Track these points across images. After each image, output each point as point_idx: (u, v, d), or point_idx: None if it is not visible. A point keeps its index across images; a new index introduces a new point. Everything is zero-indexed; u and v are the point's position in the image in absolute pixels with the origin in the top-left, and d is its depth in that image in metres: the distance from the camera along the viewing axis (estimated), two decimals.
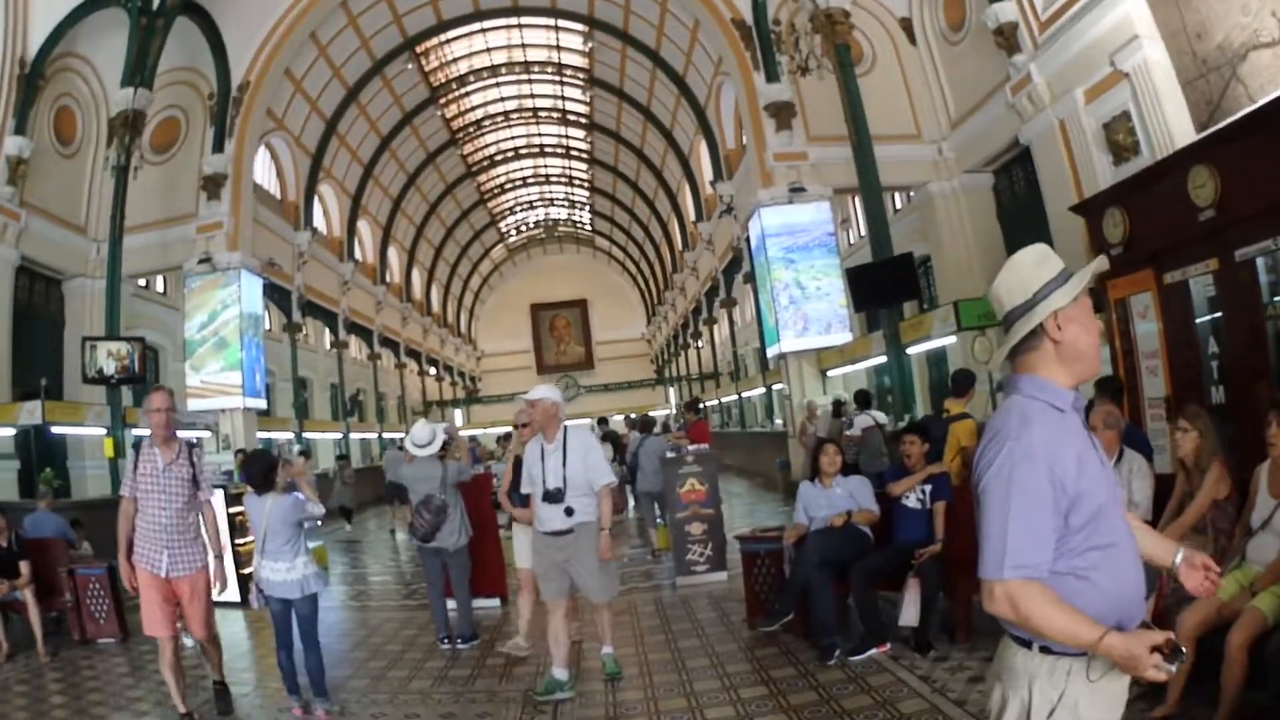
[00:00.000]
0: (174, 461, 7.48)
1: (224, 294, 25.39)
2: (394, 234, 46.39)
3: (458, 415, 62.74)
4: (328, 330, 38.94)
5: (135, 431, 21.08)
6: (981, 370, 20.42)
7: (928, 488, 8.54)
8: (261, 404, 26.70)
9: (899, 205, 26.49)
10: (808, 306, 23.23)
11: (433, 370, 57.56)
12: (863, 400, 17.29)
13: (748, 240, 26.83)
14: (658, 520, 15.36)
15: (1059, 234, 17.54)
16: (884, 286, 19.06)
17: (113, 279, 22.13)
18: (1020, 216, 21.19)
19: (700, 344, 46.27)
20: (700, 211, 38.05)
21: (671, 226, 47.86)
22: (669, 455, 13.41)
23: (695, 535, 12.41)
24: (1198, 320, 9.73)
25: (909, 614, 7.98)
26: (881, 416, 16.71)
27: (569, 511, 7.66)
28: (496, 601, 12.13)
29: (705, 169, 35.14)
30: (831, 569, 8.39)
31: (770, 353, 25.78)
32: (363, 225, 42.19)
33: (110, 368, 21.01)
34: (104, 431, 21.34)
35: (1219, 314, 9.49)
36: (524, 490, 8.30)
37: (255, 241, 27.61)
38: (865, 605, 8.22)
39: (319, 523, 8.95)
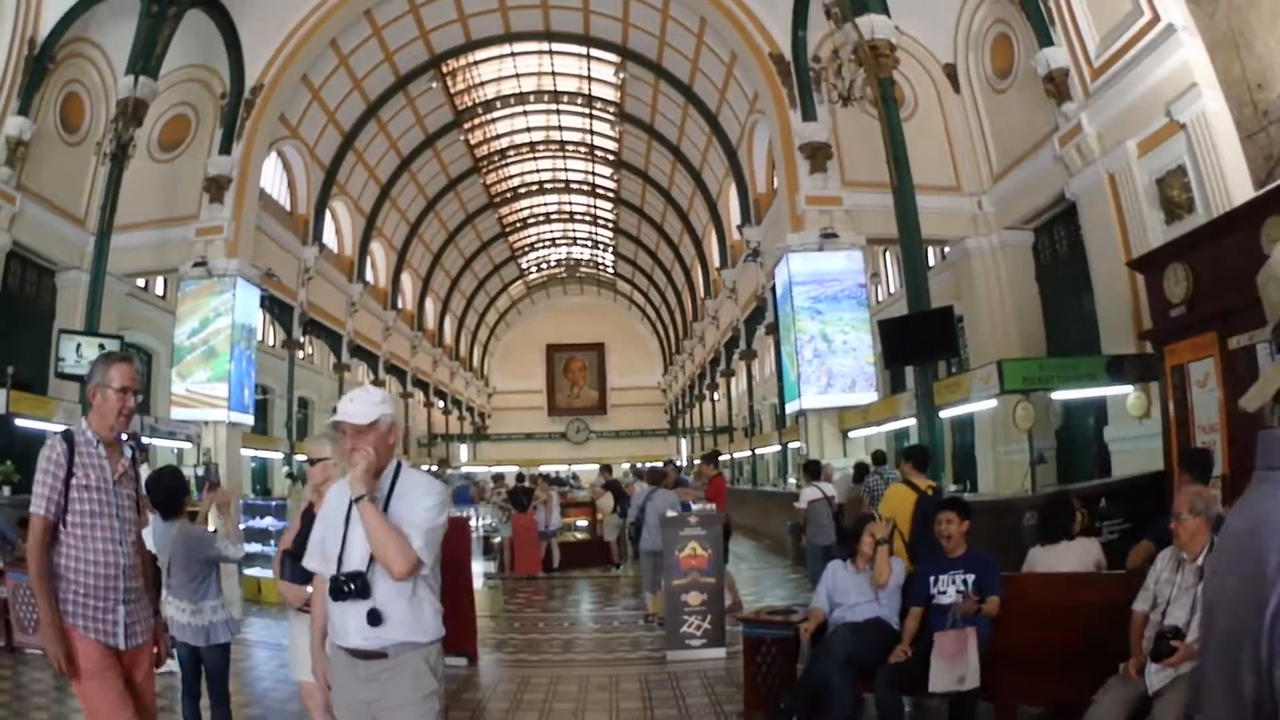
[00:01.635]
0: (125, 473, 4.83)
1: (218, 301, 24.26)
2: (409, 259, 45.56)
3: (463, 451, 61.74)
4: (331, 352, 37.83)
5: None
6: (1019, 438, 19.28)
7: (969, 578, 7.13)
8: (248, 419, 25.52)
9: (933, 261, 25.02)
10: (833, 361, 21.89)
11: (440, 403, 56.56)
12: (813, 471, 16.24)
13: (773, 289, 25.68)
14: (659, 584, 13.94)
15: (1103, 297, 16.93)
16: (920, 341, 17.49)
17: (98, 272, 21.25)
18: (1061, 278, 20.32)
19: (716, 396, 45.33)
20: (725, 258, 36.80)
21: (695, 273, 47.02)
22: (669, 514, 12.12)
23: (693, 605, 11.11)
24: None
25: (970, 673, 6.47)
26: (829, 489, 15.53)
27: (374, 617, 4.07)
28: (463, 660, 10.83)
29: (733, 213, 34.08)
30: (854, 669, 7.06)
31: (789, 408, 24.38)
32: (376, 247, 41.39)
33: (85, 365, 19.38)
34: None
35: None
36: (309, 565, 4.49)
37: (258, 251, 26.68)
38: (889, 710, 6.89)
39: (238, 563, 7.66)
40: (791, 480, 29.69)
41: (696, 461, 45.47)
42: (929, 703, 7.44)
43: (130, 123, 21.15)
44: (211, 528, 8.25)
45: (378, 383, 41.63)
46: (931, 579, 7.31)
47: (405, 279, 46.45)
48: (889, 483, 15.40)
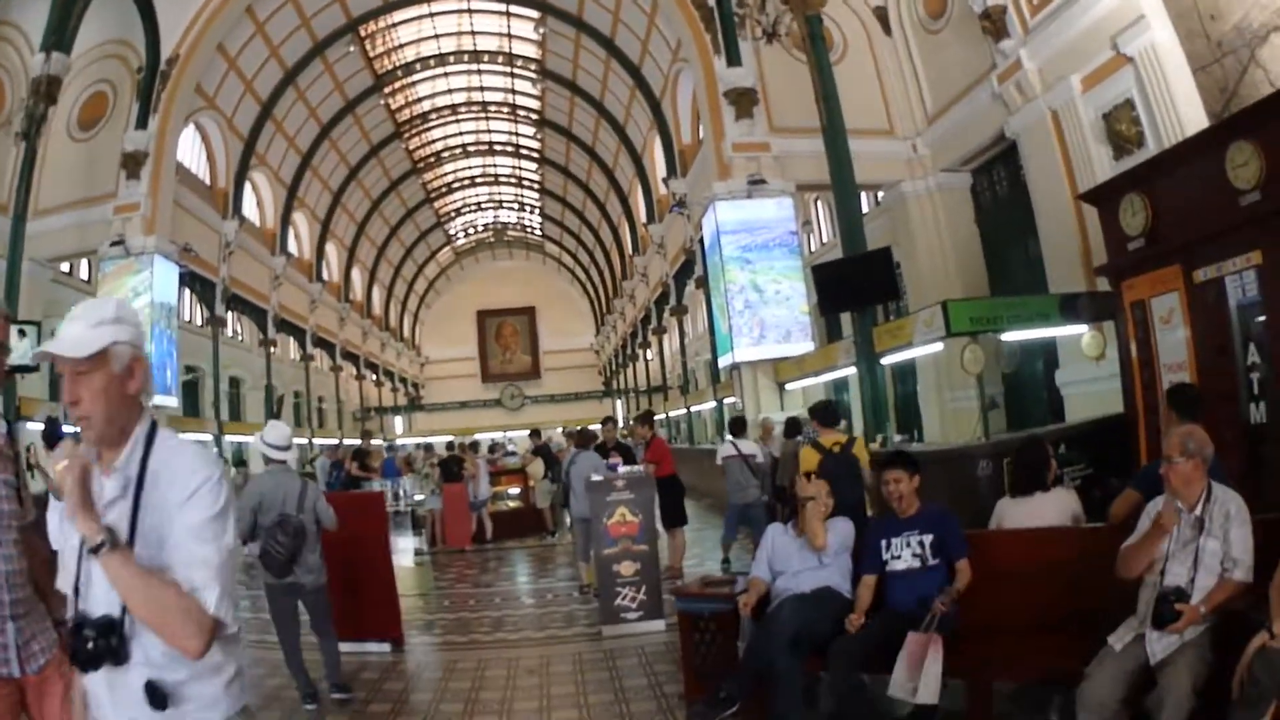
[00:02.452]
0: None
1: (136, 281, 23.57)
2: (333, 230, 44.95)
3: (398, 423, 61.19)
4: (257, 328, 37.17)
5: (30, 426, 19.39)
6: (966, 384, 19.04)
7: (926, 539, 6.52)
8: (172, 402, 24.82)
9: (867, 207, 24.60)
10: (765, 312, 21.46)
11: (372, 375, 55.95)
12: (735, 428, 15.62)
13: (701, 241, 25.32)
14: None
15: (1050, 237, 16.83)
16: (857, 286, 17.04)
17: (13, 257, 20.49)
18: (1002, 219, 20.29)
19: (649, 355, 45.16)
20: (652, 213, 36.41)
21: (622, 230, 46.43)
22: (593, 478, 11.35)
23: (625, 576, 10.49)
24: (1234, 325, 8.25)
25: (924, 687, 5.69)
26: (747, 446, 14.73)
27: (157, 698, 2.55)
28: (387, 647, 10.33)
29: (659, 167, 33.62)
30: (804, 647, 6.27)
31: (722, 362, 24.11)
32: (299, 218, 40.75)
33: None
34: None
35: (1261, 317, 8.00)
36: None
37: (177, 227, 26.12)
38: (848, 695, 6.05)
39: None
40: (727, 437, 29.53)
41: (631, 423, 45.44)
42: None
43: (43, 100, 20.61)
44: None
45: (306, 357, 41.77)
46: (883, 543, 6.59)
47: (330, 250, 45.79)
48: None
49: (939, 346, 16.68)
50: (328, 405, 49.63)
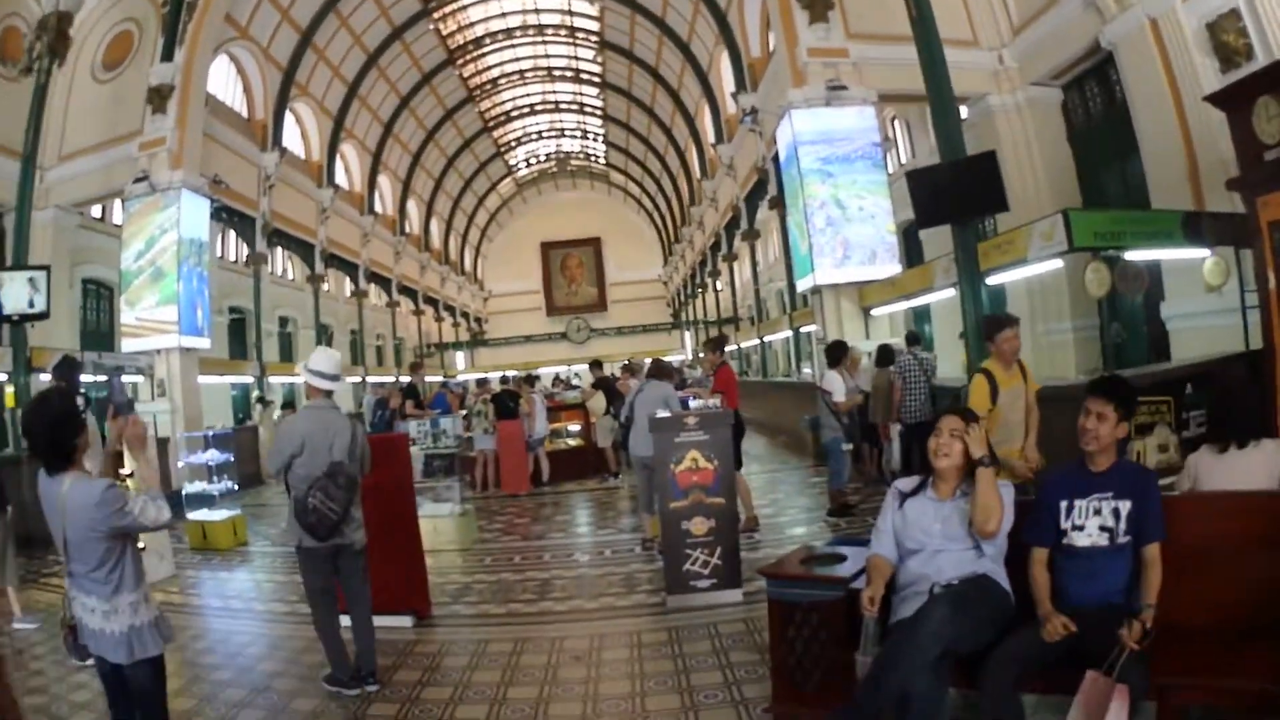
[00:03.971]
0: None
1: (162, 218, 21.85)
2: (385, 161, 43.75)
3: (460, 359, 60.06)
4: (304, 264, 36.10)
5: (44, 377, 18.20)
6: (1062, 312, 16.93)
7: (1122, 506, 4.63)
8: (203, 343, 22.95)
9: None
10: (849, 230, 19.38)
11: (432, 311, 54.95)
12: (834, 355, 13.57)
13: (775, 158, 23.51)
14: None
15: (1153, 155, 15.30)
16: (959, 195, 14.63)
17: (22, 200, 19.21)
18: (1096, 137, 18.56)
19: (719, 285, 43.86)
20: (721, 133, 34.54)
21: (689, 154, 44.83)
22: (659, 414, 9.56)
23: (697, 535, 8.76)
24: None
25: None
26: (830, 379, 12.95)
27: None
28: (408, 620, 8.76)
29: (726, 84, 31.83)
30: (951, 662, 4.52)
31: (801, 286, 21.94)
32: (347, 150, 39.62)
33: (13, 301, 17.71)
34: (4, 376, 18.65)
35: None
36: None
37: (211, 162, 24.55)
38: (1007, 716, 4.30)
39: (166, 529, 5.70)
40: (805, 369, 27.69)
41: (699, 354, 43.75)
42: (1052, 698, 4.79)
43: (52, 35, 19.56)
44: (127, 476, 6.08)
45: (359, 293, 40.86)
46: (1064, 505, 4.84)
47: (383, 182, 44.66)
48: (924, 365, 13.52)
49: (1058, 264, 14.49)
50: (384, 343, 48.82)
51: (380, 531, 8.08)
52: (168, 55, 22.63)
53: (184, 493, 14.64)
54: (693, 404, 9.87)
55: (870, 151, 19.88)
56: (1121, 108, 16.66)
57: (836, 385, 12.74)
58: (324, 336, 36.87)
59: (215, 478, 15.02)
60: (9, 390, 18.33)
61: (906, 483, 5.33)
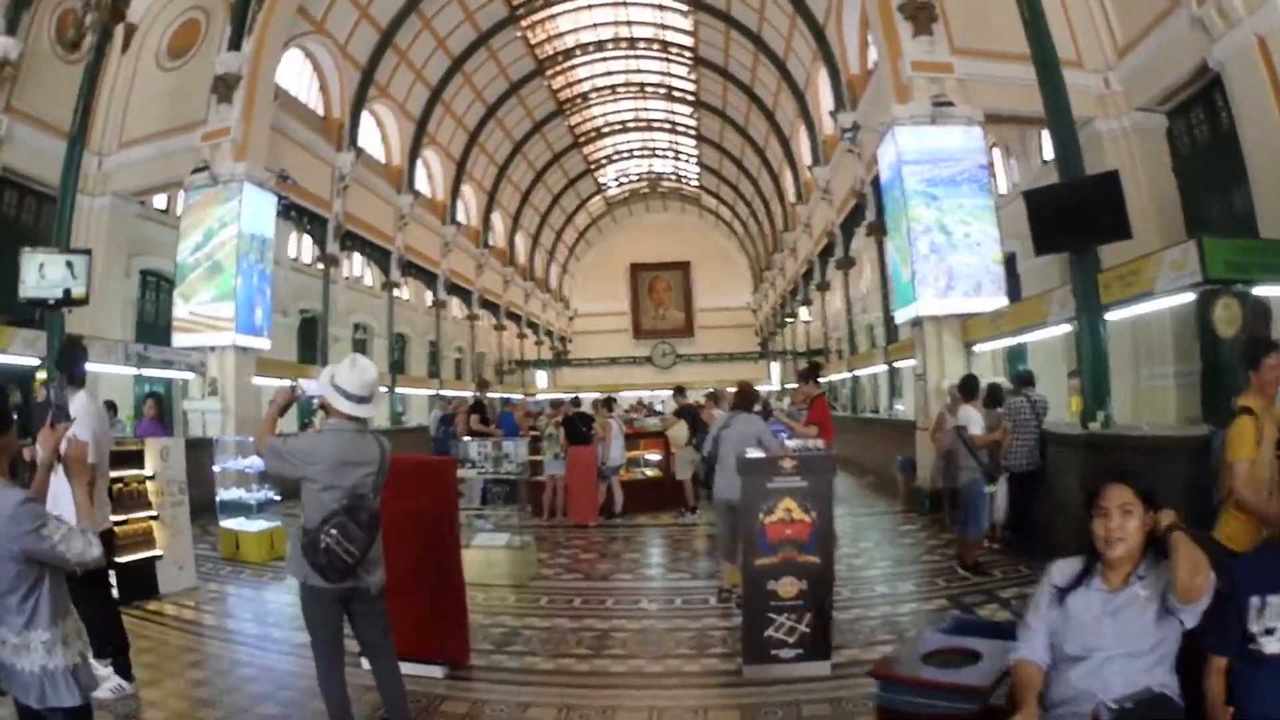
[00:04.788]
0: None
1: (223, 210, 21.09)
2: (470, 171, 43.18)
3: (541, 377, 59.09)
4: (379, 270, 35.46)
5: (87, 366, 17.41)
6: (1165, 356, 16.39)
7: None
8: (261, 343, 22.12)
9: (1049, 154, 21.14)
10: (954, 259, 17.84)
11: (515, 327, 54.63)
12: (969, 389, 12.19)
13: (875, 181, 22.30)
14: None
15: (1262, 181, 13.94)
16: (1078, 219, 12.98)
17: (66, 180, 18.65)
18: (1201, 167, 17.16)
19: (809, 315, 42.29)
20: (817, 155, 33.30)
21: (784, 177, 43.30)
22: (750, 454, 8.11)
23: (783, 598, 7.34)
24: None
25: None
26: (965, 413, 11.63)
27: None
28: (439, 671, 7.55)
29: (824, 102, 30.64)
30: None
31: (901, 316, 20.15)
32: (430, 156, 39.12)
33: (49, 284, 17.19)
34: (37, 362, 17.67)
35: None
36: None
37: (282, 158, 23.95)
38: None
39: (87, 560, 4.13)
40: (898, 405, 26.12)
41: (789, 386, 42.32)
42: None
43: (105, 13, 19.04)
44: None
45: (438, 304, 40.36)
46: (1254, 602, 3.67)
47: (467, 192, 44.11)
48: (1036, 407, 12.54)
49: (1189, 297, 12.64)
50: (464, 356, 48.28)
51: (415, 566, 7.29)
52: (235, 44, 22.01)
53: (219, 499, 13.95)
54: (791, 443, 8.31)
55: (977, 174, 18.42)
56: (1228, 135, 15.39)
57: (974, 419, 11.46)
58: (399, 345, 36.63)
59: (255, 485, 14.17)
60: (40, 376, 17.39)
61: (1063, 571, 4.02)
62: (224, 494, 14.03)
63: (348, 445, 5.71)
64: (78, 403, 7.25)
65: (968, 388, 12.09)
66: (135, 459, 10.99)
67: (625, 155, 58.15)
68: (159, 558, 10.79)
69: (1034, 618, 3.97)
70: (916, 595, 10.10)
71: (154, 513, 10.93)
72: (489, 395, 21.59)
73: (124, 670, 7.12)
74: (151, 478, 11.01)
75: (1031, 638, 3.93)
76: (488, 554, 11.25)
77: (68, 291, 17.04)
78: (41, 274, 17.10)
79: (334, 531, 5.40)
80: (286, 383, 6.07)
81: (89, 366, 18.53)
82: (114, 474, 10.12)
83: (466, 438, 15.47)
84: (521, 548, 11.66)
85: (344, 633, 5.89)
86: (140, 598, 10.26)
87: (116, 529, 10.00)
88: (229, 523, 13.58)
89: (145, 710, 6.75)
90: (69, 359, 7.75)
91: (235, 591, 11.29)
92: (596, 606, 10.25)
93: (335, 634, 5.84)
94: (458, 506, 8.31)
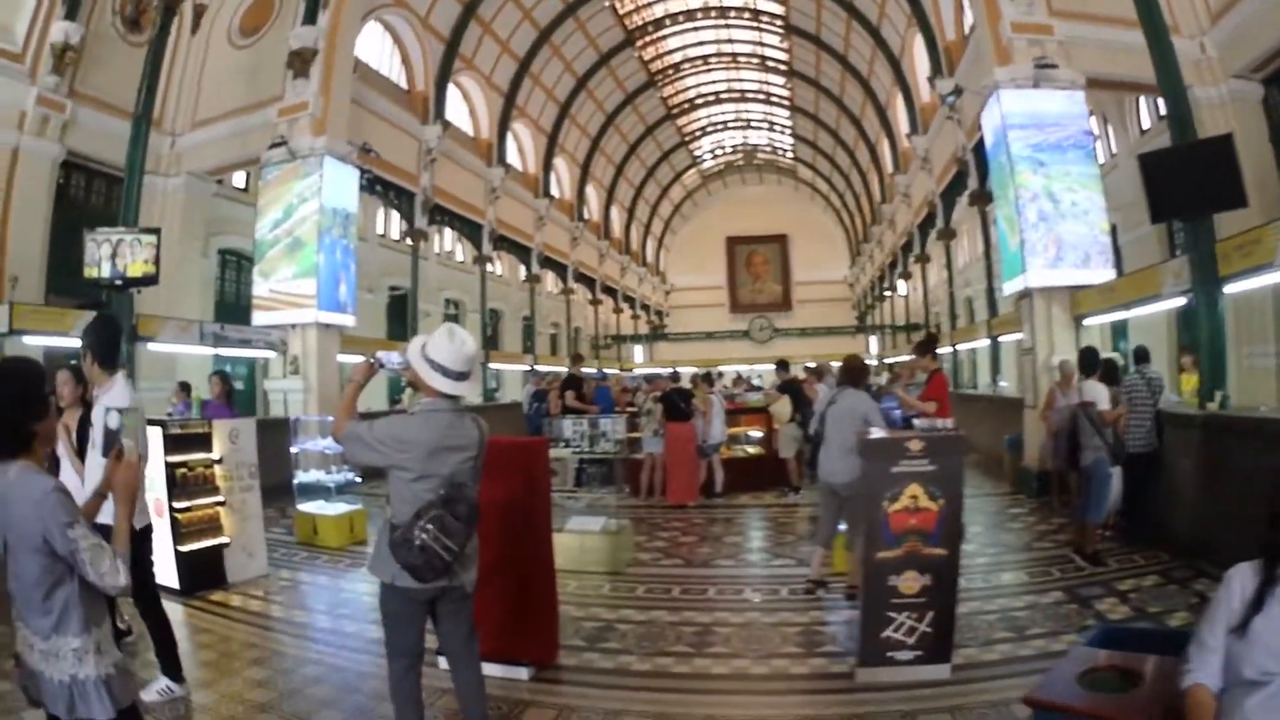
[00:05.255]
0: None
1: (302, 186, 20.72)
2: (562, 143, 43.06)
3: (638, 352, 58.80)
4: (470, 244, 35.25)
5: (152, 345, 18.56)
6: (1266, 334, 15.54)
7: None
8: (345, 320, 21.66)
9: (1147, 122, 21.12)
10: (1062, 228, 16.96)
11: (611, 301, 54.62)
12: (1090, 362, 11.53)
13: (977, 147, 21.64)
14: (839, 531, 9.59)
15: None
16: (1191, 186, 12.06)
17: (133, 159, 18.49)
18: None
19: (907, 288, 41.39)
20: (915, 123, 32.31)
21: (881, 148, 42.38)
22: (872, 434, 7.49)
23: (906, 595, 6.66)
24: None
25: None
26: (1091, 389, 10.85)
27: None
28: (523, 673, 7.01)
29: (919, 70, 29.95)
30: None
31: (1009, 288, 19.19)
32: (520, 129, 39.19)
33: (114, 266, 17.10)
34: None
35: None
36: None
37: (364, 132, 23.53)
38: None
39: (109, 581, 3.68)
40: (1003, 383, 25.23)
41: (895, 360, 41.41)
42: None
43: None
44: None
45: (532, 277, 39.97)
46: None
47: (560, 165, 43.91)
48: (1152, 386, 11.84)
49: None
50: (559, 331, 48.10)
51: (502, 558, 6.72)
52: (310, 18, 21.69)
53: (296, 481, 13.55)
54: (919, 422, 7.52)
55: (1082, 140, 17.63)
56: None
57: (1100, 394, 10.65)
58: (493, 321, 36.58)
59: (335, 467, 13.68)
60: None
61: (1244, 582, 3.37)
62: (302, 476, 13.68)
63: (444, 428, 5.07)
64: (115, 390, 6.63)
65: (1088, 361, 11.38)
66: (202, 442, 10.50)
67: (719, 127, 57.56)
68: (226, 545, 10.38)
69: (1212, 636, 3.34)
70: (1031, 586, 9.34)
71: (220, 498, 10.47)
72: (583, 370, 20.86)
73: (172, 670, 6.65)
74: (219, 461, 10.54)
75: (1208, 659, 3.32)
76: (581, 539, 10.68)
77: (128, 272, 16.93)
78: (107, 255, 16.99)
79: (430, 527, 4.80)
80: (362, 359, 5.36)
81: (163, 346, 18.59)
82: (178, 458, 10.02)
83: (562, 415, 14.90)
84: (617, 532, 11.03)
85: (427, 634, 5.32)
86: (205, 587, 9.91)
87: (180, 515, 9.91)
88: (306, 506, 13.14)
89: (195, 715, 6.31)
90: (96, 337, 7.08)
91: (308, 580, 10.84)
92: (697, 597, 9.58)
93: (418, 638, 5.27)
94: (550, 491, 7.87)
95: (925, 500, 6.65)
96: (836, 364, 11.11)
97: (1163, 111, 18.49)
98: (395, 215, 30.40)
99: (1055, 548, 11.17)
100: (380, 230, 31.47)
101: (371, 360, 5.37)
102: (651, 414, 16.19)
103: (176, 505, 9.85)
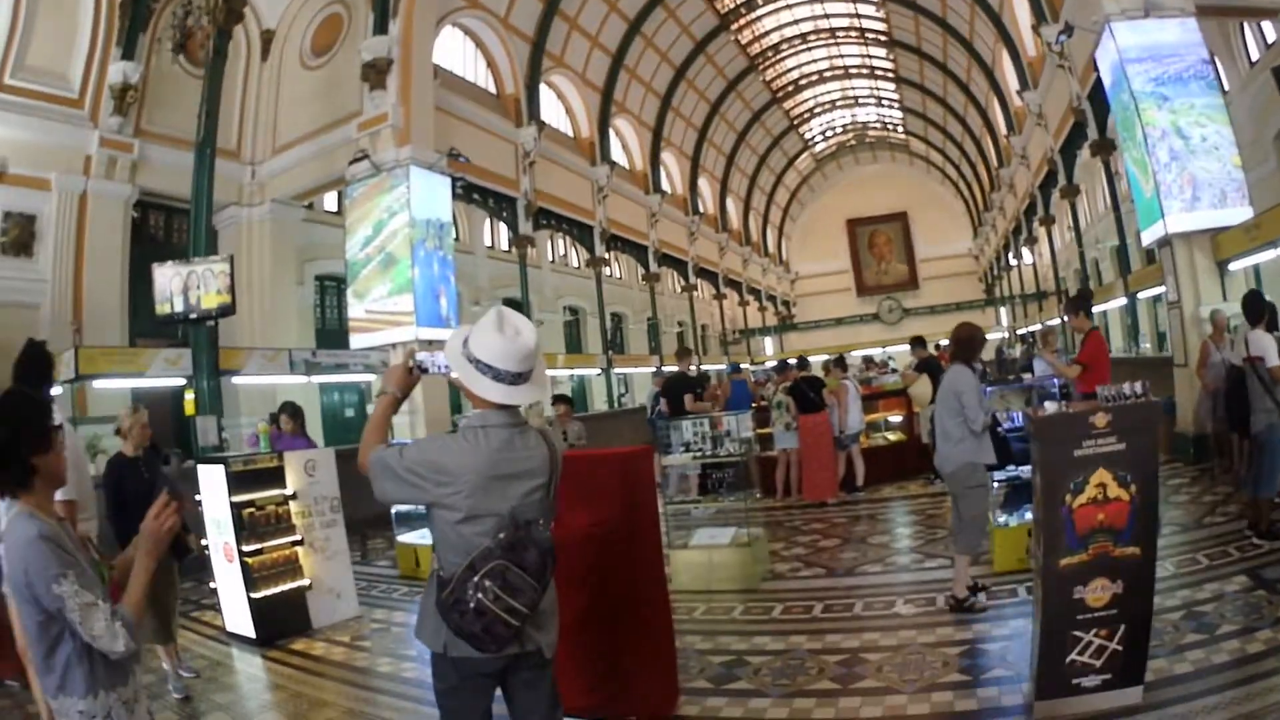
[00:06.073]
0: None
1: (389, 199, 20.28)
2: (668, 137, 42.47)
3: (768, 344, 58.62)
4: (582, 247, 35.05)
5: (236, 380, 18.23)
6: None
7: None
8: (448, 334, 20.37)
9: (1255, 52, 19.45)
10: (1194, 165, 15.74)
11: (736, 295, 54.14)
12: (1255, 306, 9.62)
13: (1093, 93, 20.89)
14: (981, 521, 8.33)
15: None
16: None
17: (199, 187, 18.03)
18: None
19: (1034, 253, 40.27)
20: (1025, 79, 30.87)
21: (992, 110, 40.95)
22: (1048, 407, 6.31)
23: (1094, 608, 5.41)
24: None
25: None
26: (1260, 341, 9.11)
27: None
28: None
29: (1021, 18, 28.64)
30: None
31: (1147, 238, 17.89)
32: (621, 124, 38.66)
33: (186, 299, 16.93)
34: (182, 382, 16.98)
35: None
36: None
37: (456, 139, 23.00)
38: None
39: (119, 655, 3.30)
40: (1145, 344, 24.39)
41: (1020, 331, 39.99)
42: None
43: (214, 14, 18.47)
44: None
45: (650, 276, 39.35)
46: None
47: (668, 159, 43.58)
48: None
49: None
50: (685, 329, 47.47)
51: (597, 602, 5.77)
52: (380, 28, 21.34)
53: (394, 510, 12.49)
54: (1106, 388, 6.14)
55: (1202, 70, 16.35)
56: None
57: (1269, 347, 8.98)
58: (615, 324, 36.61)
59: None
60: (188, 397, 16.83)
61: None
62: (398, 504, 12.91)
63: (499, 450, 3.84)
64: None
65: (1254, 308, 9.53)
66: (272, 478, 9.82)
67: (827, 107, 56.56)
68: (308, 588, 9.75)
69: None
70: (1210, 572, 8.04)
71: (297, 537, 9.80)
72: (691, 367, 19.58)
73: None
74: (293, 497, 9.87)
75: None
76: (709, 554, 9.77)
77: (201, 304, 16.76)
78: (179, 289, 16.81)
79: (488, 584, 3.61)
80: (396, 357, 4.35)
81: (250, 379, 18.29)
82: (244, 497, 9.42)
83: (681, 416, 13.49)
84: (750, 543, 9.93)
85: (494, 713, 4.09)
86: (286, 635, 9.31)
87: (249, 559, 9.31)
88: (407, 536, 12.41)
89: None
90: (24, 369, 6.43)
91: (405, 620, 9.93)
92: (841, 615, 8.41)
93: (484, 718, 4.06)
94: (657, 509, 6.68)
95: (1115, 488, 5.36)
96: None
97: (1271, 39, 17.33)
98: (503, 225, 29.90)
99: (1227, 522, 9.80)
100: (488, 242, 31.42)
101: (411, 364, 4.15)
102: (783, 406, 15.26)
103: (245, 549, 9.27)
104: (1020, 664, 6.21)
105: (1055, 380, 10.65)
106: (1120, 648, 5.43)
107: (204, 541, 9.53)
